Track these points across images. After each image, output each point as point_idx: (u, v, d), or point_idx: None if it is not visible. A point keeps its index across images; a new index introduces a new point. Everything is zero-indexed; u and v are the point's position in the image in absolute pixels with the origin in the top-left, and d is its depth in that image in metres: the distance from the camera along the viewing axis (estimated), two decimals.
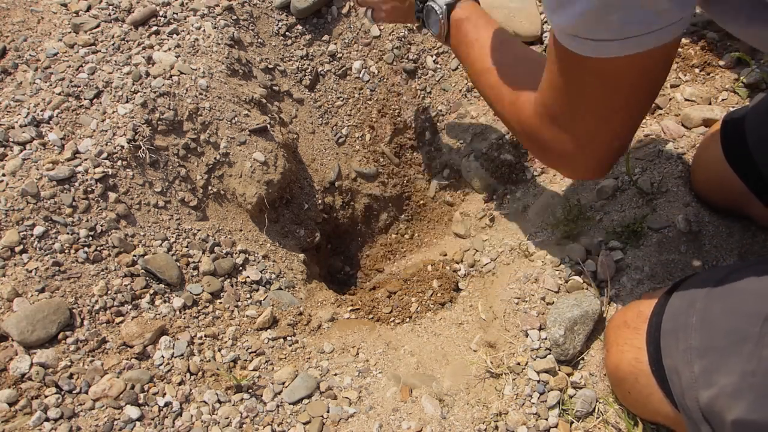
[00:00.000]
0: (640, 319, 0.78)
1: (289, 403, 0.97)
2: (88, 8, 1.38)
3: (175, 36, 1.33)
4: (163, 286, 1.09)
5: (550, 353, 0.92)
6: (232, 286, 1.17)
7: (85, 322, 1.00)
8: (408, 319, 1.14)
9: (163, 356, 1.01)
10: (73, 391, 0.94)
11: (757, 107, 0.91)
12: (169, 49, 1.30)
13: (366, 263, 1.61)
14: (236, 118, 1.28)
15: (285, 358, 1.06)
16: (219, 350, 1.05)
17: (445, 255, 1.31)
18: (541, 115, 0.80)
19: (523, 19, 1.41)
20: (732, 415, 0.60)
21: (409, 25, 1.54)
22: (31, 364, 0.94)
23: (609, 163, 0.82)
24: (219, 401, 0.96)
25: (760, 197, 0.92)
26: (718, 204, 1.01)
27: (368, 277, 1.57)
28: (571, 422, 0.86)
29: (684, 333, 0.68)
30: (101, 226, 1.09)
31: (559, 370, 0.91)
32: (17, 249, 1.02)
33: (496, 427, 0.87)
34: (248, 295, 1.18)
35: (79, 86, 1.22)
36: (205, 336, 1.06)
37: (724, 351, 0.62)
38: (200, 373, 1.00)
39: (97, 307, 1.02)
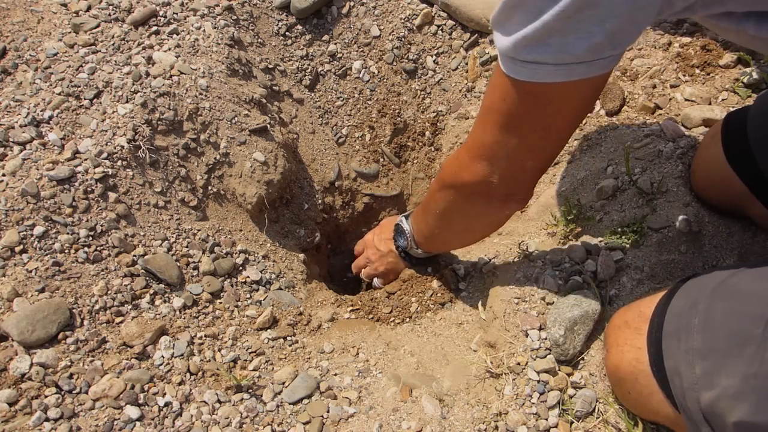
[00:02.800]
0: (640, 320, 0.78)
1: (289, 403, 0.97)
2: (88, 8, 1.38)
3: (175, 36, 1.33)
4: (163, 286, 1.09)
5: (550, 353, 0.92)
6: (232, 286, 1.17)
7: (85, 322, 1.00)
8: (408, 319, 1.14)
9: (163, 356, 1.01)
10: (73, 391, 0.94)
11: (759, 107, 0.91)
12: (169, 49, 1.30)
13: None
14: (236, 118, 1.28)
15: (285, 358, 1.06)
16: (219, 350, 1.05)
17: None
18: (460, 156, 0.87)
19: None
20: (733, 417, 0.60)
21: (408, 25, 1.54)
22: (31, 364, 0.94)
23: (525, 186, 0.86)
24: (219, 401, 0.96)
25: (761, 198, 0.92)
26: (718, 204, 1.01)
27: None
28: (571, 422, 0.86)
29: (686, 334, 0.68)
30: (101, 226, 1.09)
31: (559, 370, 0.91)
32: (17, 249, 1.02)
33: (496, 427, 0.87)
34: (248, 295, 1.18)
35: (79, 86, 1.22)
36: (205, 336, 1.06)
37: (726, 353, 0.62)
38: (200, 373, 1.00)
39: (97, 307, 1.02)
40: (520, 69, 0.68)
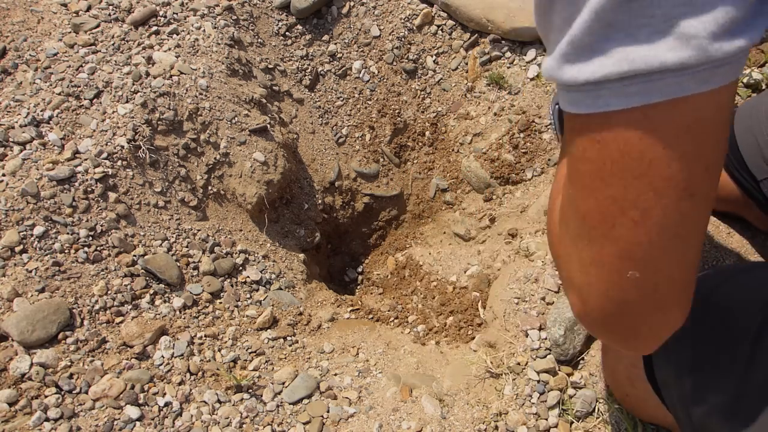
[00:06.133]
0: None
1: (289, 403, 0.97)
2: (88, 8, 1.38)
3: (175, 36, 1.33)
4: (163, 286, 1.09)
5: (550, 353, 0.92)
6: (232, 286, 1.17)
7: (85, 322, 1.00)
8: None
9: (163, 356, 1.01)
10: (73, 391, 0.94)
11: (743, 111, 0.91)
12: (169, 49, 1.30)
13: (367, 264, 1.61)
14: (236, 118, 1.28)
15: (285, 358, 1.06)
16: (219, 350, 1.05)
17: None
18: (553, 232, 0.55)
19: (523, 19, 1.41)
20: None
21: (408, 25, 1.54)
22: (31, 364, 0.94)
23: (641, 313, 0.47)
24: (219, 401, 0.96)
25: (757, 202, 0.92)
26: (717, 207, 1.01)
27: (369, 280, 1.58)
28: (571, 422, 0.86)
29: (675, 347, 0.67)
30: (101, 226, 1.09)
31: (559, 370, 0.91)
32: (17, 249, 1.02)
33: (496, 427, 0.87)
34: (248, 295, 1.18)
35: (79, 86, 1.22)
36: (205, 336, 1.06)
37: (715, 369, 0.62)
38: (200, 373, 1.00)
39: (97, 307, 1.02)
40: (574, 97, 0.39)
